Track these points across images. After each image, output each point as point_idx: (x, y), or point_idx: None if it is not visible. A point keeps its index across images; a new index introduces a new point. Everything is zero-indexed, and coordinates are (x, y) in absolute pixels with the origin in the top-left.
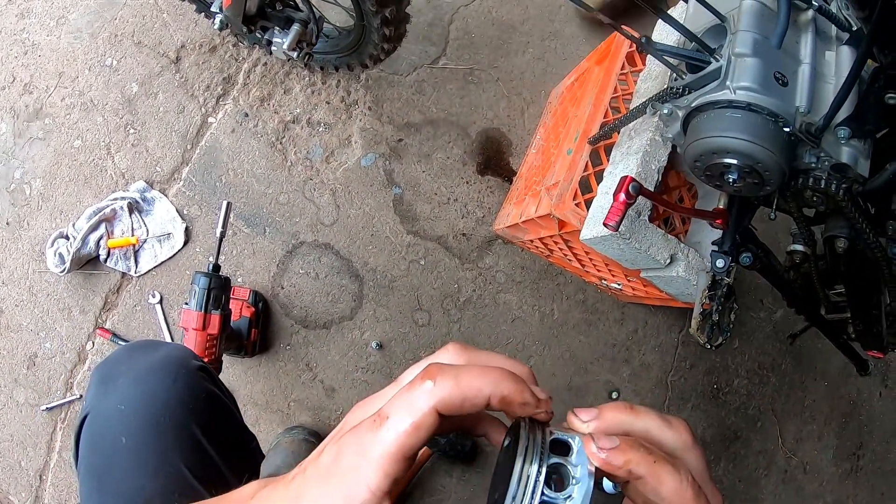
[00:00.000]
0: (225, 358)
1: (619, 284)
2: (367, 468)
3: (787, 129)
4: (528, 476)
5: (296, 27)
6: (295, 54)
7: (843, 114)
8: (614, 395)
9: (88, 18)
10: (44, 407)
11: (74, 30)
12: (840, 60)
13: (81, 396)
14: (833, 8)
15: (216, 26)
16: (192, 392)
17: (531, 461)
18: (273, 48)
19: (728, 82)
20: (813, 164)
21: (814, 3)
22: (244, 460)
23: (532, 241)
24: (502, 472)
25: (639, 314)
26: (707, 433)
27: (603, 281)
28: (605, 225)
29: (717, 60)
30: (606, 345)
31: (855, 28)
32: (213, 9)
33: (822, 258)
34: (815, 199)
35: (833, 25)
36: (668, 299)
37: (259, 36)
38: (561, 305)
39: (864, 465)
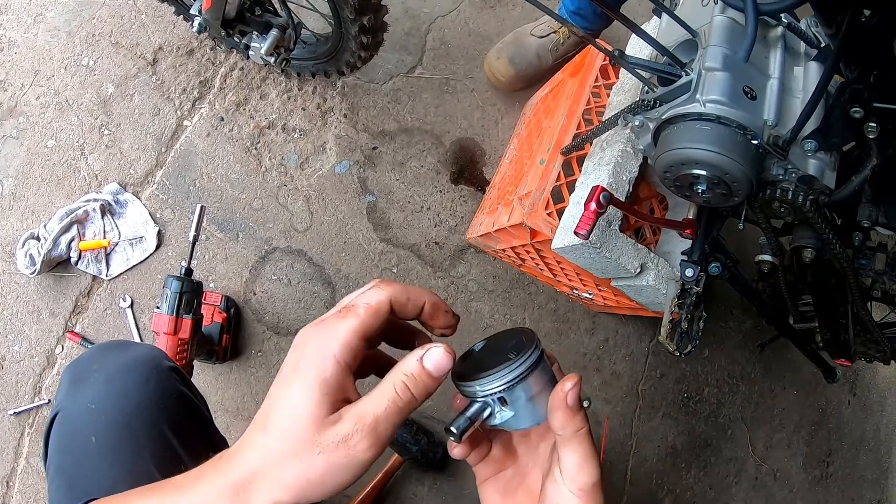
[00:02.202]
0: (196, 364)
1: (590, 294)
2: (332, 342)
3: (755, 142)
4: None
5: (274, 32)
6: (272, 60)
7: (809, 127)
8: (585, 403)
9: (66, 17)
10: (11, 412)
11: (52, 28)
12: (808, 75)
13: (50, 401)
14: (802, 25)
15: (195, 29)
16: (164, 392)
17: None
18: (251, 53)
19: (698, 95)
20: (780, 176)
21: (783, 20)
22: None
23: (504, 250)
24: (493, 354)
25: (609, 323)
26: (678, 441)
27: (574, 290)
28: (575, 233)
29: (688, 74)
30: (577, 353)
31: (823, 45)
32: (192, 11)
33: (790, 269)
34: (782, 210)
35: (802, 42)
36: (638, 309)
37: (237, 40)
38: (532, 314)
39: (833, 471)
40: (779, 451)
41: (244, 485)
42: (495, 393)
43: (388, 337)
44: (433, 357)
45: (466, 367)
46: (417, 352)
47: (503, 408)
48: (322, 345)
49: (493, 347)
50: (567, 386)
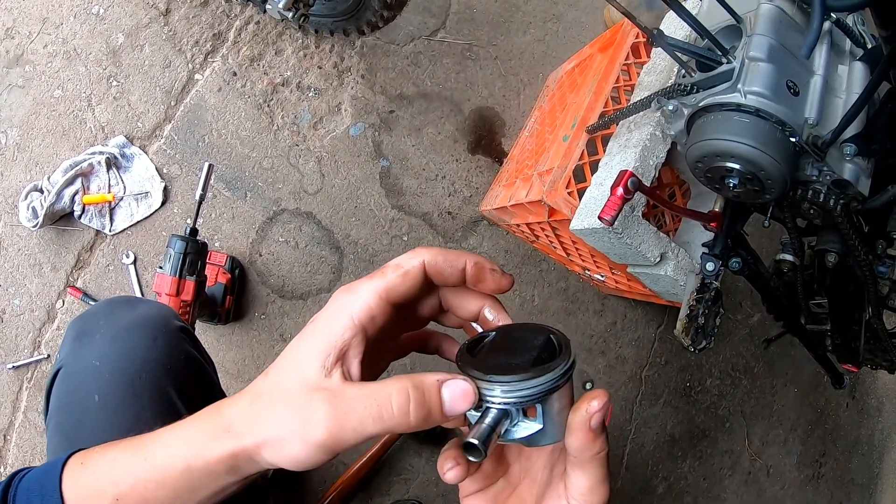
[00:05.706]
0: (197, 324)
1: (602, 276)
2: (353, 301)
3: (793, 140)
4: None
5: None
6: (290, 14)
7: (851, 130)
8: (588, 385)
9: None
10: (10, 365)
11: None
12: (852, 76)
13: (49, 356)
14: (849, 22)
15: None
16: (172, 353)
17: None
18: (268, 6)
19: (739, 85)
20: (814, 177)
21: (832, 15)
22: None
23: (518, 225)
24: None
25: (619, 307)
26: (676, 430)
27: (586, 271)
28: (600, 218)
29: (730, 62)
30: (584, 335)
31: (870, 45)
32: None
33: (808, 268)
34: (811, 211)
35: (848, 40)
36: (650, 295)
37: None
38: (542, 292)
39: (825, 472)
40: (774, 448)
41: (227, 427)
42: (527, 400)
43: (424, 342)
44: (455, 389)
45: (481, 361)
46: (442, 375)
47: (525, 419)
48: (343, 304)
49: (511, 341)
50: (593, 406)
